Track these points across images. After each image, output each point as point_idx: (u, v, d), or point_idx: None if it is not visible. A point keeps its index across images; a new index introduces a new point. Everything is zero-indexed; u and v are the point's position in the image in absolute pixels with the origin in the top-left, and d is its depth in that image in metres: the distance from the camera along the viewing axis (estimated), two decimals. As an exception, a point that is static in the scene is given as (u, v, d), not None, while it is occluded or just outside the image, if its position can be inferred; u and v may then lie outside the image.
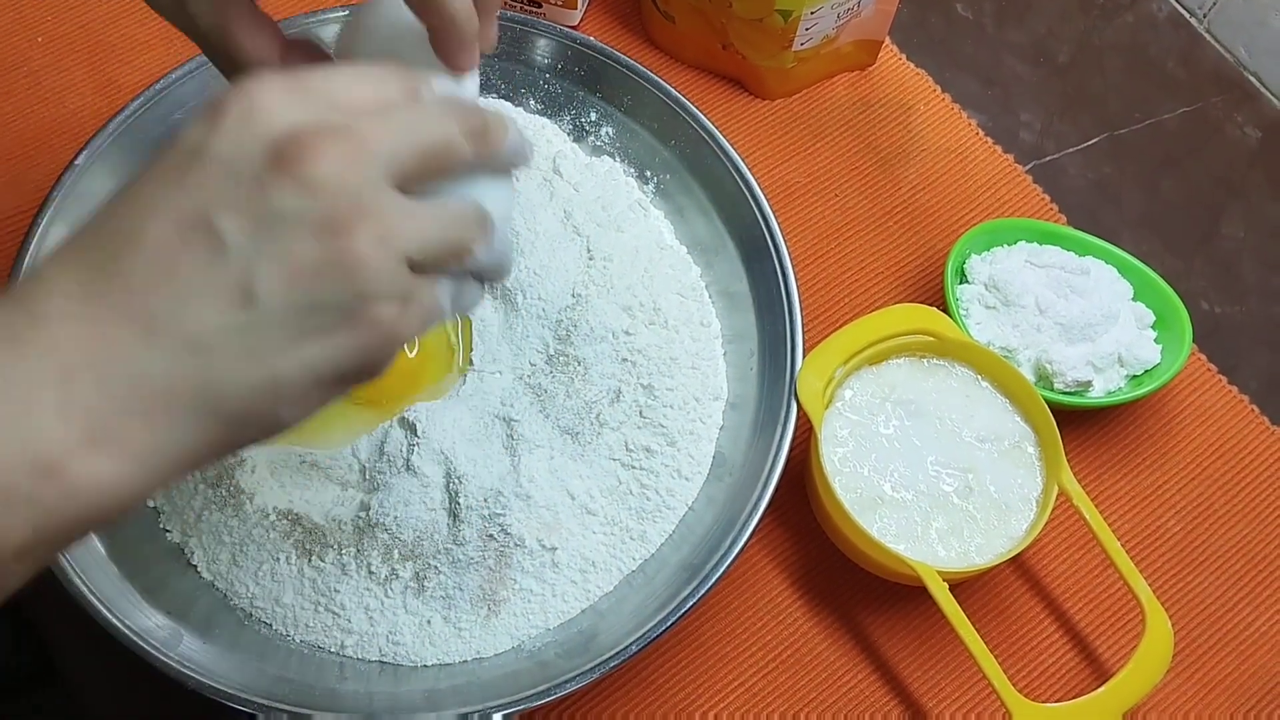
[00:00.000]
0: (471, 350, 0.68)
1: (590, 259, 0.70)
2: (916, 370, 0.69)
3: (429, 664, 0.63)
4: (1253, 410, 0.75)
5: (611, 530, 0.65)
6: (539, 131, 0.74)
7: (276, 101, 0.38)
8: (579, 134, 0.75)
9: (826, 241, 0.78)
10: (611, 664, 0.59)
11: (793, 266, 0.69)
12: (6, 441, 0.35)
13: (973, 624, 0.62)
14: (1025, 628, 0.68)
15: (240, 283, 0.36)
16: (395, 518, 0.63)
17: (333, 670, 0.62)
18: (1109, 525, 0.65)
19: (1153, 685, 0.62)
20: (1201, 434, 0.74)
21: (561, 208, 0.71)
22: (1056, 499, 0.65)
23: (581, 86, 0.75)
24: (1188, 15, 0.89)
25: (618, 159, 0.75)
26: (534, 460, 0.65)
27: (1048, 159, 0.84)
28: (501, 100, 0.75)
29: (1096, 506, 0.65)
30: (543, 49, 0.75)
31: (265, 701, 0.58)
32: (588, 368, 0.67)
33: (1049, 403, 0.67)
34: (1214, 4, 0.88)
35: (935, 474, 0.66)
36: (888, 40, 0.84)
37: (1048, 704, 0.62)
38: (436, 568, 0.63)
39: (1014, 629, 0.68)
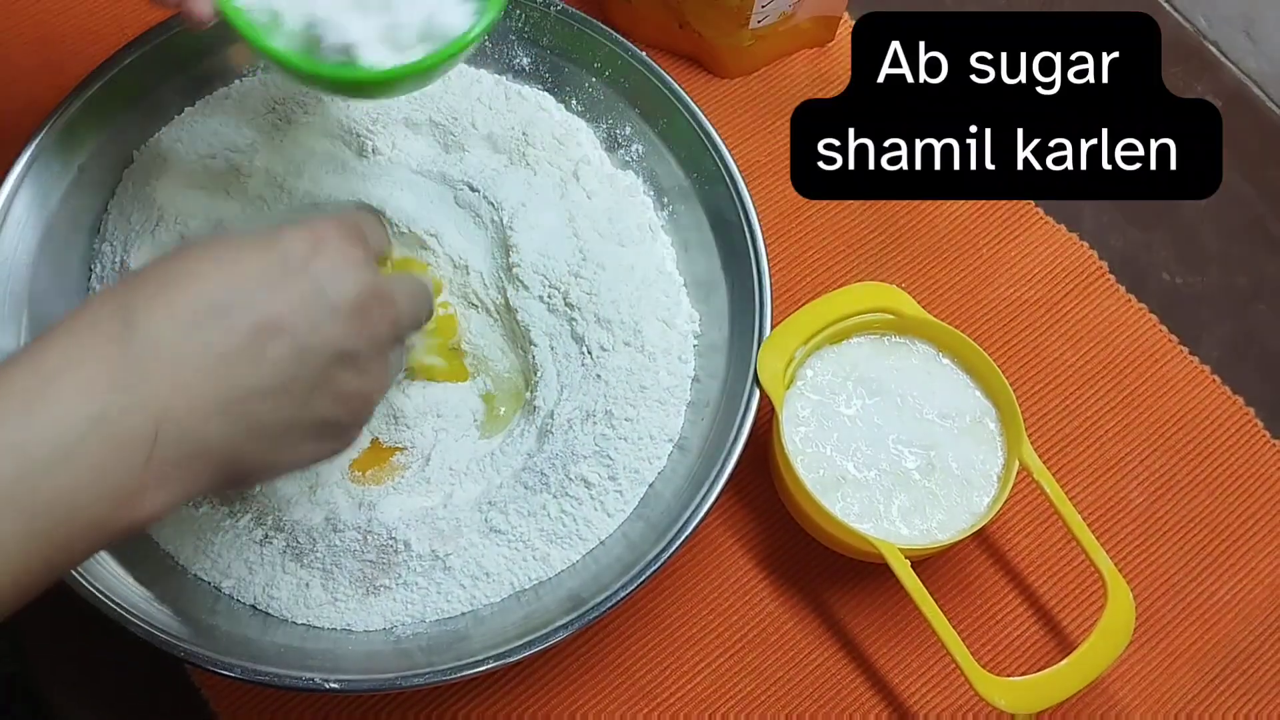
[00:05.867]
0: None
1: (583, 260, 0.68)
2: (877, 348, 0.69)
3: (299, 622, 0.62)
4: (1214, 380, 0.75)
5: (515, 546, 0.63)
6: (572, 133, 0.73)
7: (361, 255, 0.50)
8: (611, 144, 0.74)
9: (787, 220, 0.78)
10: (464, 672, 0.58)
11: (771, 324, 0.67)
12: (106, 479, 0.43)
13: (936, 600, 0.62)
14: (989, 603, 0.69)
15: (302, 393, 0.47)
16: (266, 491, 0.63)
17: (208, 602, 0.62)
18: (1071, 498, 0.65)
19: (1115, 657, 0.62)
20: (1163, 405, 0.74)
21: (568, 209, 0.70)
22: (1017, 474, 0.65)
23: (624, 98, 0.73)
24: (1147, -15, 0.89)
25: (641, 178, 0.73)
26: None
27: (1008, 132, 0.83)
28: (545, 93, 0.74)
29: (1059, 480, 0.65)
30: (595, 52, 0.73)
31: (125, 608, 0.58)
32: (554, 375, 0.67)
33: (318, 80, 0.56)
34: (1173, -27, 0.88)
35: (897, 452, 0.66)
36: (846, 15, 0.84)
37: (1012, 678, 0.62)
38: (312, 545, 0.62)
39: (977, 604, 0.68)
